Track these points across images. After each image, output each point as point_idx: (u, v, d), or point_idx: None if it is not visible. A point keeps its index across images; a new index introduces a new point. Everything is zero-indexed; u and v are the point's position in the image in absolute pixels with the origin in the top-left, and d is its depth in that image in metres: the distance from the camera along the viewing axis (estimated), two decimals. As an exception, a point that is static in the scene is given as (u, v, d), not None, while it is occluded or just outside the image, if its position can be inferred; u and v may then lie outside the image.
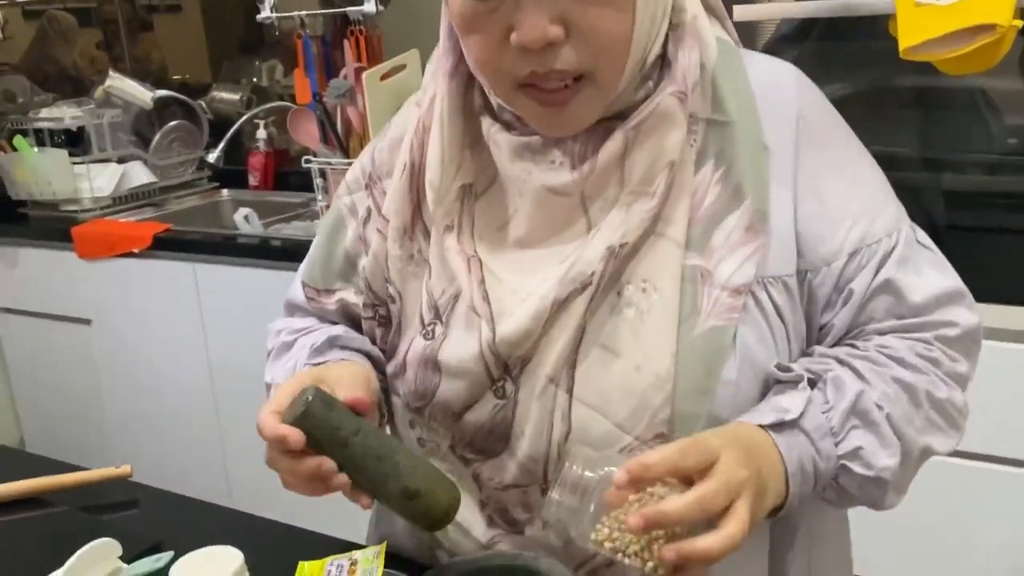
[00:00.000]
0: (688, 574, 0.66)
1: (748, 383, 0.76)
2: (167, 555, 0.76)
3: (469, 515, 0.84)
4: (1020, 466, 1.54)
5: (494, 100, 0.80)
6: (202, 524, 1.02)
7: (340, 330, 0.90)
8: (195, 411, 2.30)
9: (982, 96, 1.75)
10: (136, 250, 2.27)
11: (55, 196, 2.45)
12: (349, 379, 0.77)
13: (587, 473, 0.67)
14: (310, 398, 0.70)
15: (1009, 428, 1.52)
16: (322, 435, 0.70)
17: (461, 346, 0.79)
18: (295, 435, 0.70)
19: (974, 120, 1.76)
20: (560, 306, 0.76)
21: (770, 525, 0.80)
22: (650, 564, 0.66)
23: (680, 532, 0.65)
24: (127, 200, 2.53)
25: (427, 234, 0.84)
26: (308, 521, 1.01)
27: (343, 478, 0.71)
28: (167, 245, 2.25)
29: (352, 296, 0.91)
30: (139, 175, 2.56)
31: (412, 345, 0.83)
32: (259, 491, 1.97)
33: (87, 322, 2.44)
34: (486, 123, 0.80)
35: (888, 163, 0.86)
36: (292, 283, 0.98)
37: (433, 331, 0.82)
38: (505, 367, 0.78)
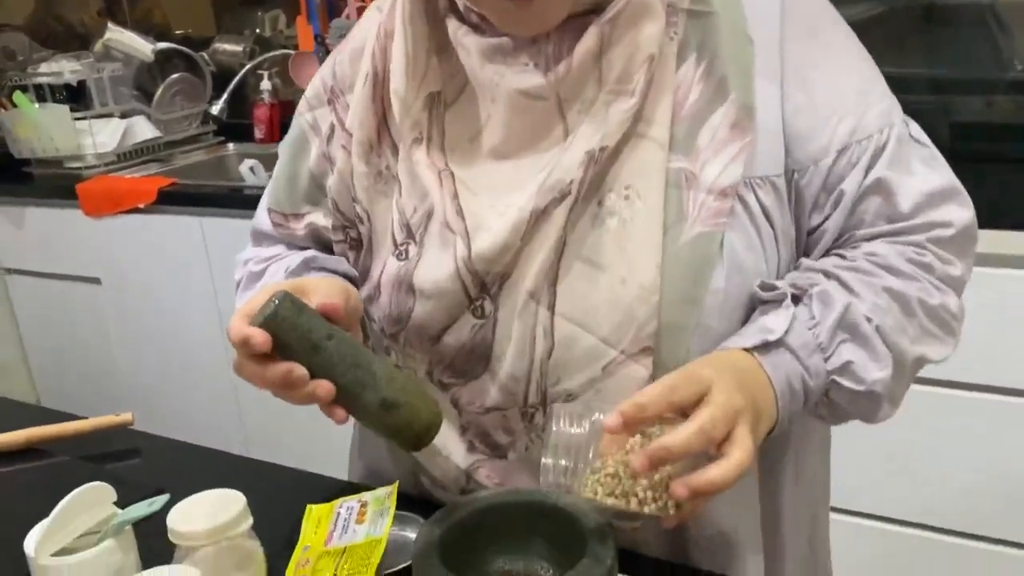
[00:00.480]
0: (696, 507, 0.62)
1: (736, 291, 0.72)
2: (162, 498, 0.72)
3: (449, 441, 0.80)
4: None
5: (459, 0, 0.74)
6: (207, 470, 0.98)
7: (313, 253, 0.86)
8: (208, 364, 2.27)
9: (991, 11, 1.69)
10: (142, 205, 2.23)
11: (58, 152, 2.41)
12: (326, 288, 0.72)
13: (574, 429, 0.63)
14: (278, 300, 0.65)
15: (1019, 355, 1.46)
16: (291, 338, 0.65)
17: (436, 265, 0.75)
18: (260, 336, 0.64)
19: (984, 40, 1.70)
20: (539, 217, 0.72)
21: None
22: (654, 505, 0.62)
23: (679, 471, 0.62)
24: (132, 156, 2.49)
25: (395, 149, 0.79)
26: (324, 468, 0.97)
27: (322, 384, 0.65)
28: (173, 199, 2.21)
29: (321, 219, 0.86)
30: (143, 130, 2.51)
31: (385, 267, 0.78)
32: (275, 442, 1.96)
33: (96, 281, 2.41)
34: (452, 25, 0.75)
35: (898, 86, 0.80)
36: (257, 211, 0.93)
37: (406, 251, 0.77)
38: (483, 285, 0.74)
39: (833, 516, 0.94)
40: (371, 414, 0.67)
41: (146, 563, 0.73)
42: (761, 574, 0.82)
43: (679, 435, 0.59)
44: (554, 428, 0.63)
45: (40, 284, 2.53)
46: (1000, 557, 1.56)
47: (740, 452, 0.61)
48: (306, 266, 0.83)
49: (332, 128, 0.84)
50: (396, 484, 0.81)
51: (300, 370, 0.65)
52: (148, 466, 1.01)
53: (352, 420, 0.72)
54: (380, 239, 0.80)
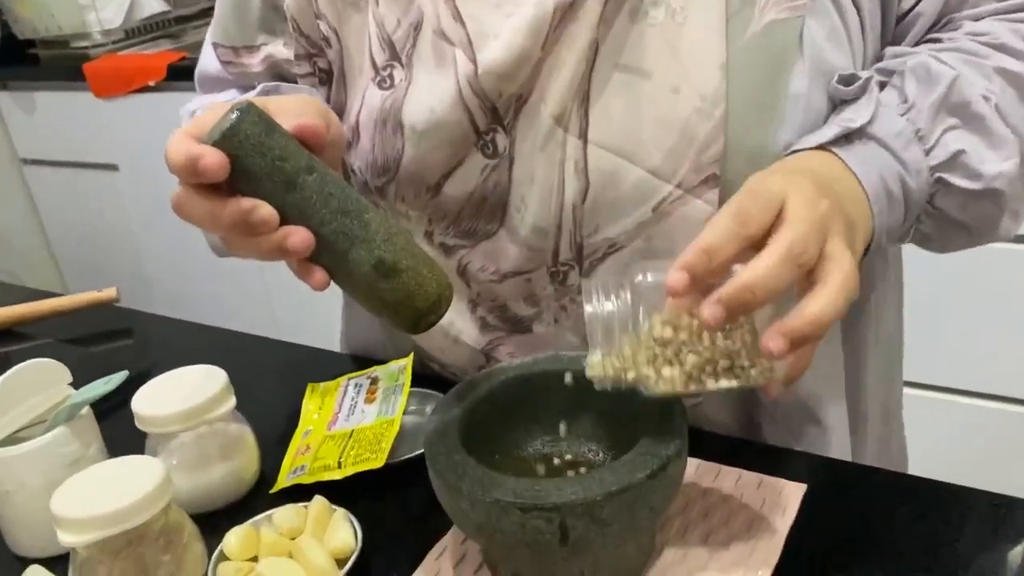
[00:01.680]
0: (799, 365, 0.46)
1: (820, 96, 0.56)
2: (120, 375, 0.60)
3: (456, 319, 0.65)
4: None
5: None
6: (202, 348, 0.85)
7: (275, 84, 0.68)
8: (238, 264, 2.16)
9: None
10: (152, 83, 2.08)
11: (61, 31, 2.25)
12: (298, 107, 0.54)
13: (608, 305, 0.47)
14: (239, 112, 0.48)
15: None
16: (258, 165, 0.48)
17: (431, 91, 0.59)
18: (214, 156, 0.47)
19: None
20: (565, 14, 0.55)
21: None
22: (753, 373, 0.46)
23: (763, 326, 0.46)
24: (140, 32, 2.33)
25: None
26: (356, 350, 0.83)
27: (296, 231, 0.48)
28: (185, 75, 2.06)
29: (282, 50, 0.68)
30: (150, 4, 2.33)
31: (365, 100, 0.62)
32: (305, 325, 1.84)
33: (114, 168, 2.30)
34: None
35: None
36: (202, 53, 0.76)
37: (391, 77, 0.61)
38: (494, 112, 0.58)
39: (907, 391, 0.80)
40: (361, 279, 0.51)
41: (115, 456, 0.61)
42: (846, 450, 0.68)
43: (760, 265, 0.43)
44: (588, 310, 0.47)
45: (58, 174, 2.43)
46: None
47: (840, 271, 0.44)
48: (266, 95, 0.66)
49: None
50: (411, 356, 0.68)
51: (265, 209, 0.48)
52: (138, 346, 0.89)
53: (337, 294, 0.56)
54: (355, 65, 0.64)
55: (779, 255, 0.43)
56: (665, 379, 0.46)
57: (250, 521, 0.57)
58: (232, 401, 0.61)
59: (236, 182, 0.48)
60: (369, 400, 0.66)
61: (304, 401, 0.69)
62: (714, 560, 0.51)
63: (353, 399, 0.67)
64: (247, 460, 0.62)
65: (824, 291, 0.43)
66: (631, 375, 0.47)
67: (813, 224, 0.44)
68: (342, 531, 0.54)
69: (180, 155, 0.47)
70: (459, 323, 0.65)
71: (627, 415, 0.52)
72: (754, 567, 0.50)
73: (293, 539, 0.55)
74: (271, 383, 0.75)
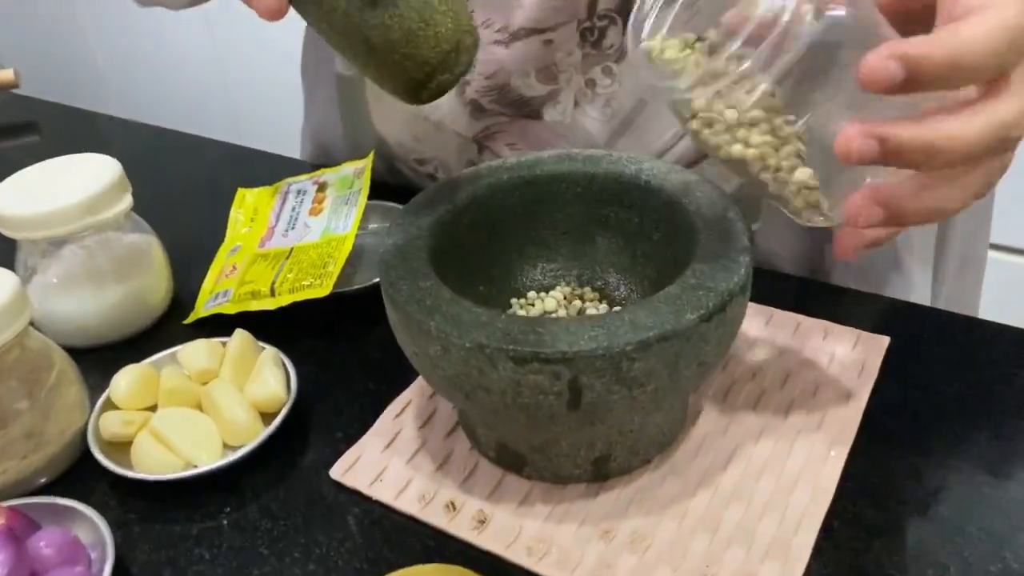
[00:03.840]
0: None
1: None
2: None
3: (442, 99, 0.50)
4: None
5: None
6: (118, 147, 0.69)
7: None
8: (193, 48, 1.96)
9: None
10: None
11: None
12: None
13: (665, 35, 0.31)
14: None
15: None
16: None
17: None
18: None
19: None
20: None
21: None
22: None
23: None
24: None
25: None
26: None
27: None
28: None
29: None
30: None
31: None
32: (270, 134, 1.68)
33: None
34: None
35: None
36: None
37: None
38: None
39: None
40: (338, 3, 0.33)
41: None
42: (927, 293, 0.54)
43: (964, 33, 0.24)
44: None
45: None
46: None
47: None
48: None
49: None
50: (371, 156, 0.52)
51: None
52: (44, 143, 0.72)
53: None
54: None
55: (991, 24, 0.24)
56: (732, 133, 0.30)
57: (148, 360, 0.43)
58: (128, 200, 0.45)
59: None
60: (315, 211, 0.51)
61: (232, 210, 0.54)
62: (768, 432, 0.38)
63: (294, 209, 0.52)
64: (152, 281, 0.48)
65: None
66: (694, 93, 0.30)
67: None
68: (270, 377, 0.40)
69: None
70: (443, 104, 0.50)
71: (664, 236, 0.38)
72: (824, 442, 0.37)
73: (204, 384, 0.41)
74: (194, 190, 0.60)
